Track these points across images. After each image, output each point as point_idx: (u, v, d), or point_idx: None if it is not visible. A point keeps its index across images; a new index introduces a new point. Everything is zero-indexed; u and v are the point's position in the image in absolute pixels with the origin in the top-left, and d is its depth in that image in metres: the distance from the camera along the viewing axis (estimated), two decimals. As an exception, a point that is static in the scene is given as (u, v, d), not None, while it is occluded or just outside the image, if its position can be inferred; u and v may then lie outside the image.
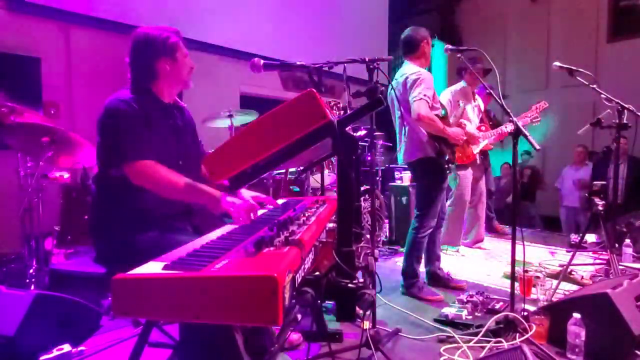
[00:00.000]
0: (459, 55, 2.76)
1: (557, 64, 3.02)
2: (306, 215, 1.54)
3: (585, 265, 3.47)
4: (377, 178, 4.62)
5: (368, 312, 2.08)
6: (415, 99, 2.74)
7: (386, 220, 4.67)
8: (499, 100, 2.37)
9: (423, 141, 2.89)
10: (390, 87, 2.84)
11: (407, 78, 2.83)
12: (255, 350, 1.59)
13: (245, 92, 6.05)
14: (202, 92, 4.78)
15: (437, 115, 2.86)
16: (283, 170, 3.69)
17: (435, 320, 2.47)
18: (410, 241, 2.98)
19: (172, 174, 1.51)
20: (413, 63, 2.94)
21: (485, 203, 4.39)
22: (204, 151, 1.92)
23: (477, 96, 4.14)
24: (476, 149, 3.90)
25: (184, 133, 1.79)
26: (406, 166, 3.16)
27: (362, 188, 3.59)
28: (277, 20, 6.24)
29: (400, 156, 3.04)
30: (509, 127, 4.01)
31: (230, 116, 3.59)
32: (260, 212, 1.88)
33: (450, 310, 2.49)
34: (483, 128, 4.02)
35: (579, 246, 3.38)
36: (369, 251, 2.53)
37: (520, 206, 6.63)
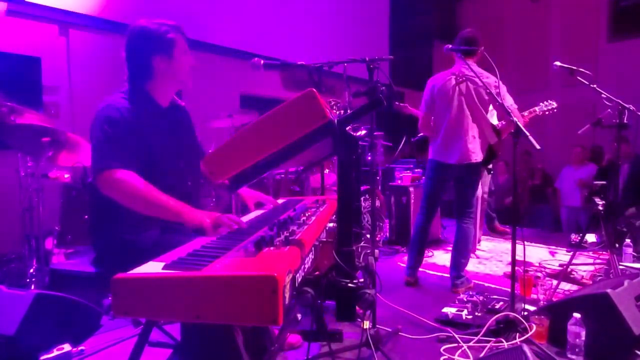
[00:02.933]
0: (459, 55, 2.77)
1: (557, 63, 3.02)
2: (306, 215, 1.54)
3: (586, 265, 3.47)
4: (377, 178, 4.62)
5: (368, 312, 2.09)
6: (514, 107, 2.84)
7: (386, 220, 4.67)
8: (498, 100, 2.38)
9: (489, 142, 3.02)
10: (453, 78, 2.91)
11: (498, 82, 2.66)
12: (255, 350, 1.59)
13: (245, 92, 6.05)
14: (202, 92, 4.79)
15: None
16: (283, 170, 3.69)
17: (435, 320, 2.47)
18: (468, 234, 3.00)
19: (146, 188, 1.41)
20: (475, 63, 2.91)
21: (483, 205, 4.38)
22: (204, 151, 1.89)
23: None
24: None
25: (183, 135, 1.76)
26: (463, 167, 2.93)
27: (362, 188, 3.59)
28: (277, 20, 6.23)
29: (467, 156, 2.90)
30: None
31: (230, 116, 3.60)
32: (260, 212, 1.88)
33: (450, 310, 2.50)
34: None
35: (579, 246, 3.38)
36: (369, 251, 2.53)
37: (535, 209, 6.63)
